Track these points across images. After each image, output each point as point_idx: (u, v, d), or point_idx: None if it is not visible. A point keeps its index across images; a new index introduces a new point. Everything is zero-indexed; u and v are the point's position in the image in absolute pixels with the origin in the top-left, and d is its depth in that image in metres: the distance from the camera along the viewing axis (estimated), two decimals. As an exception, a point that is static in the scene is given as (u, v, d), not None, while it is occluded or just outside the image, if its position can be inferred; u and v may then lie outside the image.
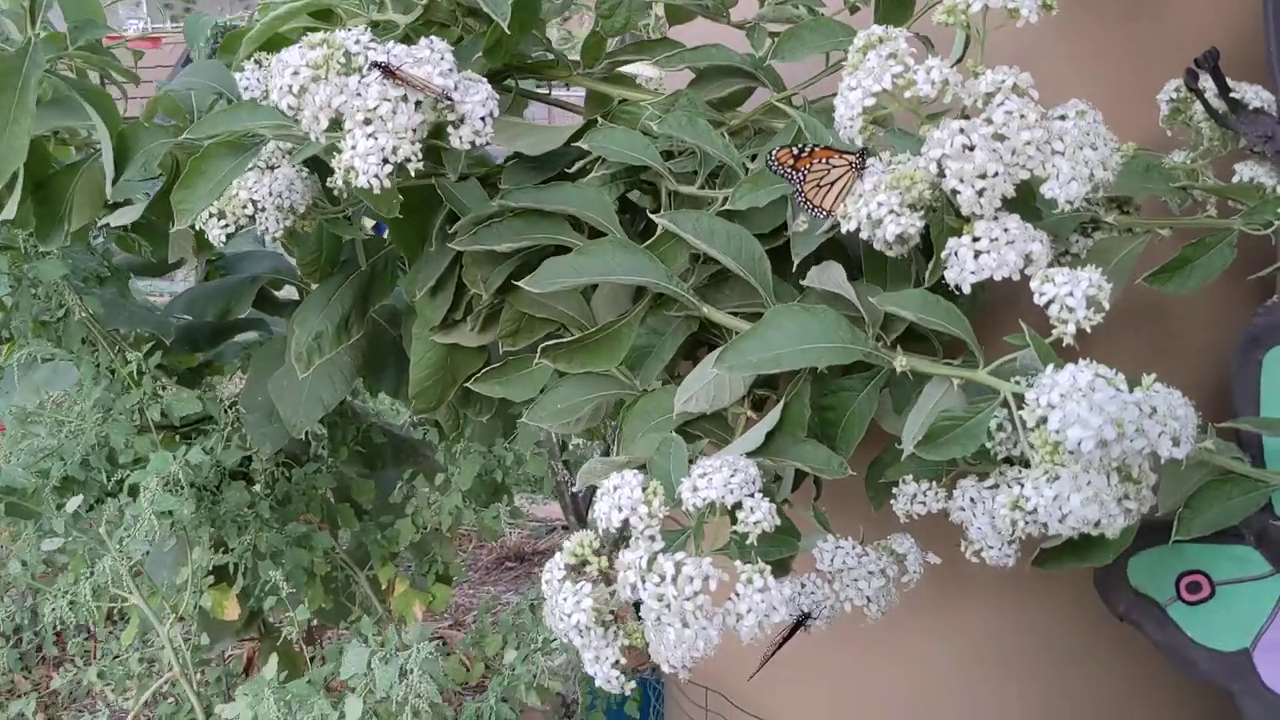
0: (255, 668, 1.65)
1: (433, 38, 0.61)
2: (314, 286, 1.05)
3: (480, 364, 0.97)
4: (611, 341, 0.76)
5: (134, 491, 0.93)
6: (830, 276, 0.66)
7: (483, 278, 0.86)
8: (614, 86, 0.82)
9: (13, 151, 0.64)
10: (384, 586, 1.31)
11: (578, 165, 0.81)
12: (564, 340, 0.77)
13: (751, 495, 0.59)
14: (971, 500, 0.66)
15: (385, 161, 0.57)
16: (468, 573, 2.59)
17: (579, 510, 1.76)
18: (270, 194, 0.75)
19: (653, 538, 0.58)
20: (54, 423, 1.02)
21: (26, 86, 0.64)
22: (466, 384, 0.93)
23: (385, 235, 1.01)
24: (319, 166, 0.78)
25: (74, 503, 0.98)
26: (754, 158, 0.74)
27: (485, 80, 0.63)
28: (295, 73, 0.57)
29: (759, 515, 0.58)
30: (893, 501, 0.70)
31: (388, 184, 0.58)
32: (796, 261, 0.67)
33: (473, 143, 0.61)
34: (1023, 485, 0.53)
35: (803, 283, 0.69)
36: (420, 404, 1.01)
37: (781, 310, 0.62)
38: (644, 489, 0.59)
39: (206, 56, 0.88)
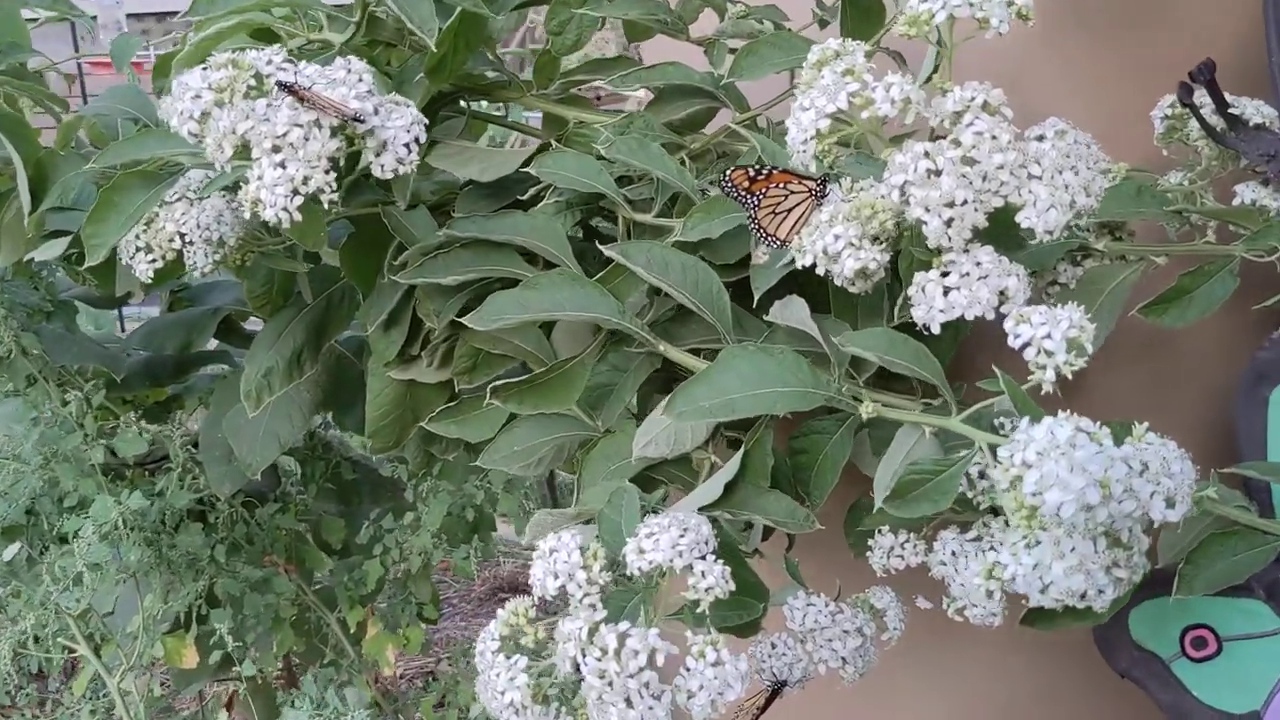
0: (235, 709, 1.60)
1: (350, 58, 0.56)
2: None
3: (442, 400, 0.92)
4: (565, 381, 0.71)
5: (64, 539, 0.88)
6: (792, 312, 0.61)
7: (435, 311, 0.81)
8: (569, 108, 0.77)
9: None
10: (352, 630, 1.25)
11: (532, 192, 0.76)
12: (514, 380, 0.72)
13: (704, 557, 0.53)
14: (953, 554, 0.60)
15: (295, 193, 0.52)
16: (460, 604, 2.53)
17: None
18: (198, 226, 0.70)
19: (594, 606, 0.52)
20: (-1, 465, 0.97)
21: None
22: (421, 423, 0.87)
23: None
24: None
25: (11, 550, 0.93)
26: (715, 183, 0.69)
27: (411, 104, 0.58)
28: (197, 96, 0.52)
29: (711, 580, 0.52)
30: (868, 554, 0.64)
31: (298, 217, 0.52)
32: (757, 296, 0.62)
33: (395, 171, 0.56)
34: (998, 551, 0.47)
35: (765, 318, 0.63)
36: (378, 443, 0.96)
37: (736, 351, 0.57)
38: (583, 551, 0.53)
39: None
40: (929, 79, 0.59)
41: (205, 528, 1.09)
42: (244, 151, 0.53)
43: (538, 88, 0.77)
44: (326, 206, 0.53)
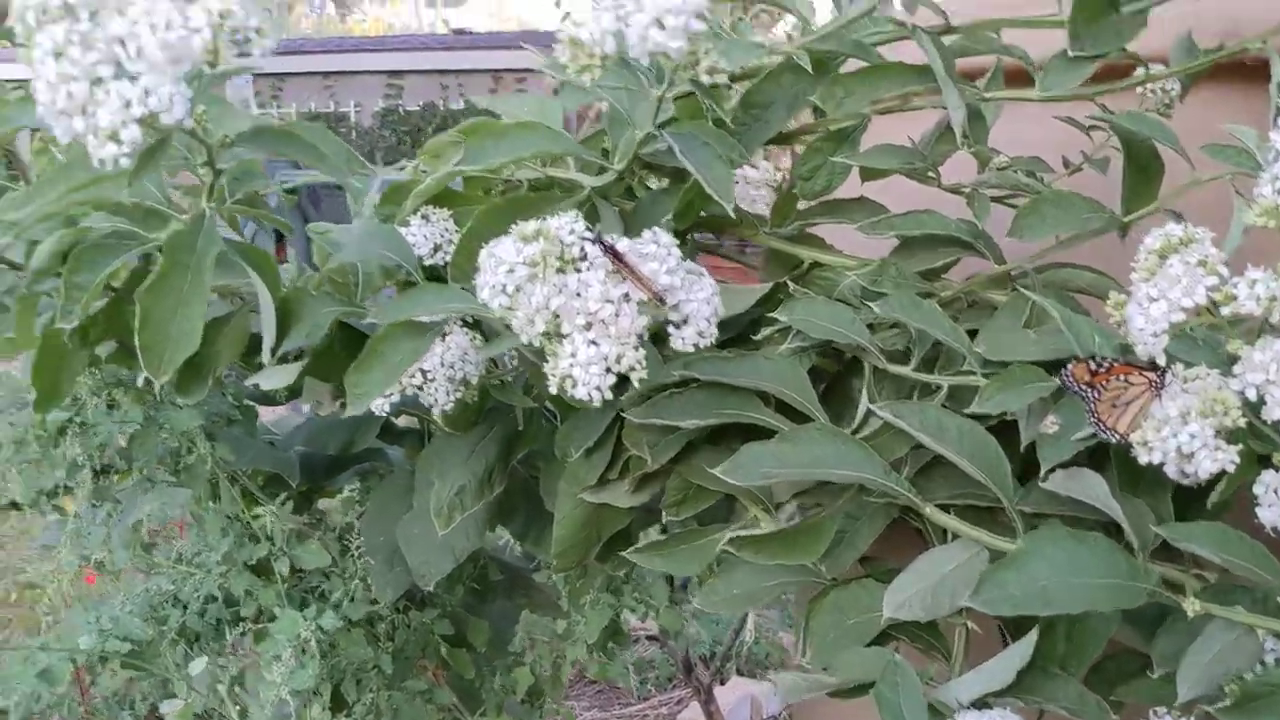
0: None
1: (656, 230, 0.55)
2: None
3: (625, 521, 0.91)
4: (812, 535, 0.69)
5: (259, 638, 0.86)
6: (1085, 487, 0.58)
7: (649, 443, 0.79)
8: (804, 248, 0.75)
9: (185, 337, 0.58)
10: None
11: (766, 333, 0.75)
12: (757, 533, 0.70)
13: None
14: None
15: (608, 371, 0.51)
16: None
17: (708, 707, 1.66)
18: (442, 364, 0.70)
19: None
20: (170, 565, 0.96)
21: (201, 266, 0.59)
22: (622, 552, 0.86)
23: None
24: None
25: (198, 665, 0.92)
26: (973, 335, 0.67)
27: (705, 273, 0.56)
28: (511, 270, 0.51)
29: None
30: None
31: (609, 395, 0.51)
32: (1045, 469, 0.59)
33: (695, 344, 0.55)
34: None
35: (1044, 487, 0.61)
36: (563, 563, 0.94)
37: (1045, 536, 0.54)
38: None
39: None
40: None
41: (368, 637, 1.07)
42: (555, 323, 0.52)
43: (772, 225, 0.76)
44: (636, 384, 0.52)
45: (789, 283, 0.74)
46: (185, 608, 1.00)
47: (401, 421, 1.32)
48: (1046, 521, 0.60)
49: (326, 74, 11.06)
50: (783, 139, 0.73)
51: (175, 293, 0.59)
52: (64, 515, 1.05)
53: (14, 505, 1.08)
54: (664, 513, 0.84)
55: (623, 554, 0.87)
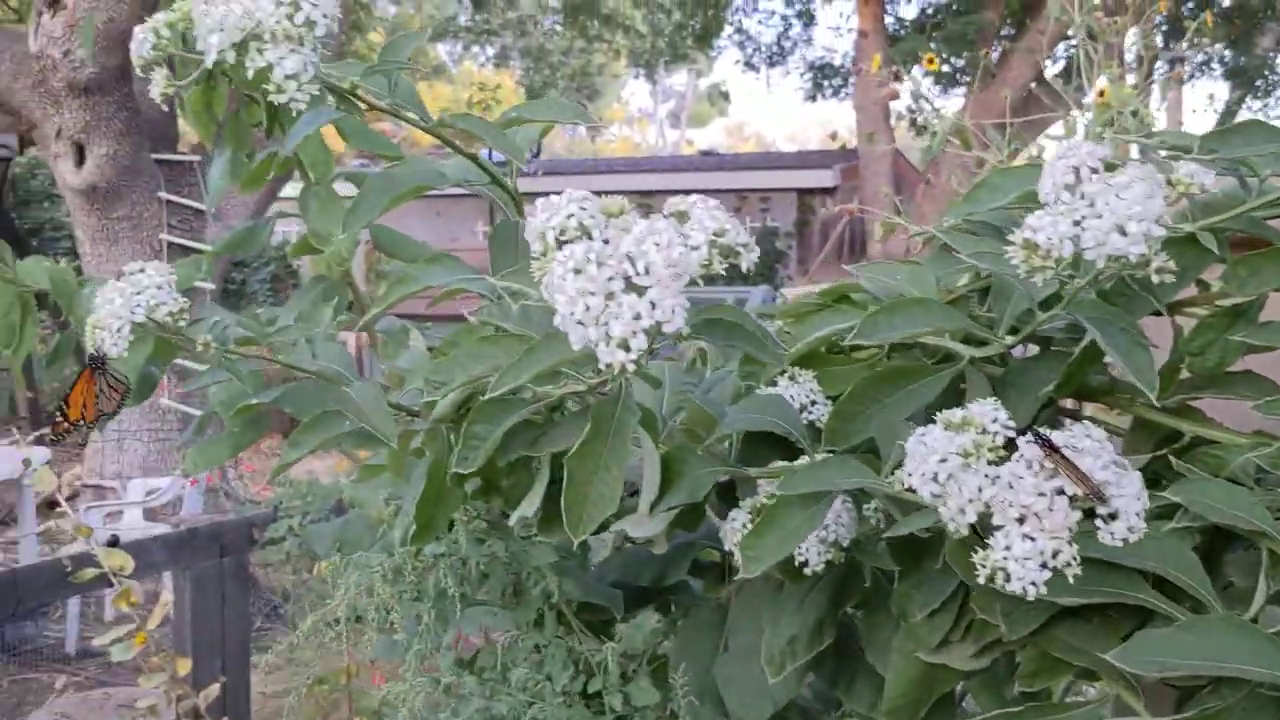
0: None
1: (1087, 424, 0.55)
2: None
3: (959, 681, 0.89)
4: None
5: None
6: None
7: (1003, 611, 0.78)
8: (1184, 421, 0.73)
9: (603, 499, 0.62)
10: None
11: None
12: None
13: None
14: None
15: (1044, 566, 0.51)
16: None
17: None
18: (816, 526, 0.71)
19: None
20: (507, 692, 1.00)
21: (621, 434, 0.63)
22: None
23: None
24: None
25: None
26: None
27: (1134, 471, 0.56)
28: (943, 460, 0.52)
29: None
30: None
31: (1044, 591, 0.51)
32: None
33: (1124, 540, 0.54)
34: None
35: None
36: (893, 720, 0.93)
37: None
38: None
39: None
40: None
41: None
42: (986, 514, 0.52)
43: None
44: (1070, 580, 0.51)
45: (1171, 458, 0.72)
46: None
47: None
48: None
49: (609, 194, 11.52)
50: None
51: (596, 457, 0.63)
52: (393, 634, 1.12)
53: (356, 619, 1.16)
54: (1017, 682, 0.82)
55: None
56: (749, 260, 0.48)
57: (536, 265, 0.47)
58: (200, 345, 0.73)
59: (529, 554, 0.92)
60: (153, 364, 1.16)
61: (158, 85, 0.50)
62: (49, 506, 5.09)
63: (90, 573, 1.94)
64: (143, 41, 0.49)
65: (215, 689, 1.88)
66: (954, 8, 11.60)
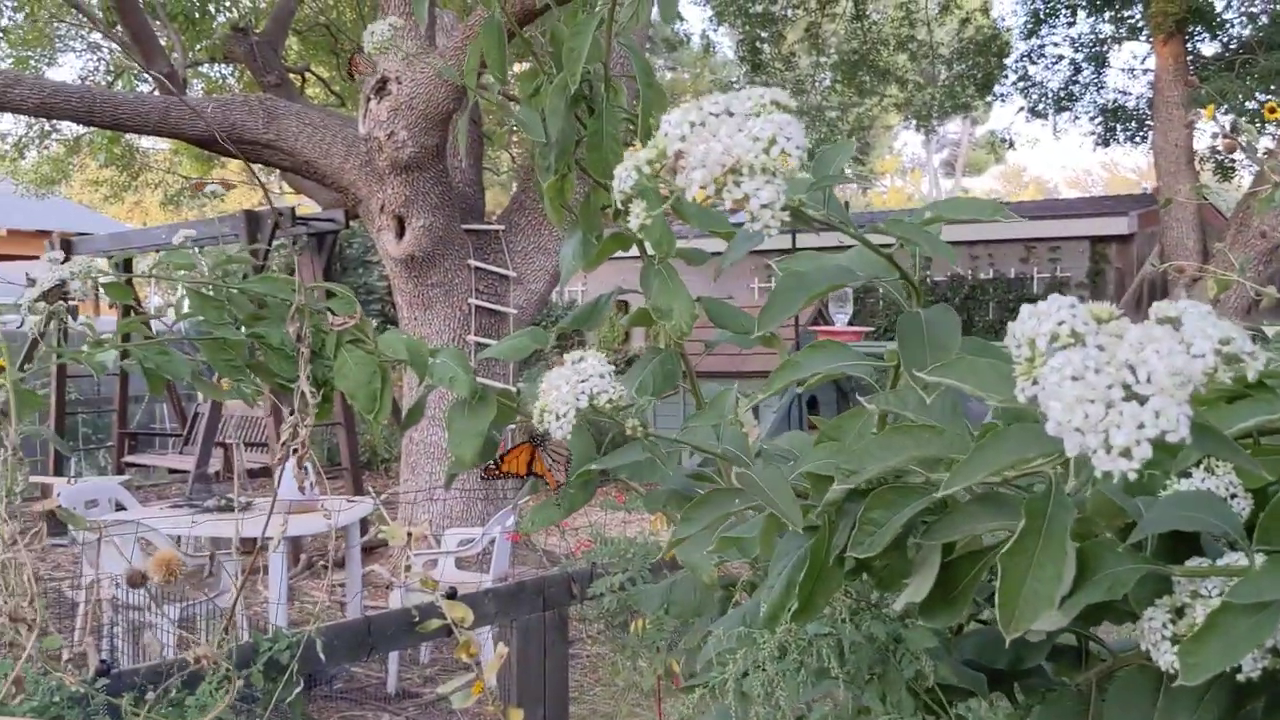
0: None
1: None
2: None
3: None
4: None
5: None
6: None
7: None
8: None
9: (1035, 598, 0.62)
10: None
11: None
12: None
13: None
14: None
15: None
16: None
17: None
18: (1248, 633, 0.68)
19: None
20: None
21: (1053, 531, 0.63)
22: None
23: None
24: None
25: None
26: None
27: None
28: None
29: None
30: None
31: None
32: None
33: None
34: None
35: None
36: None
37: None
38: None
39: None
40: None
41: None
42: None
43: None
44: None
45: None
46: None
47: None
48: None
49: (844, 248, 11.48)
50: None
51: (1027, 554, 0.63)
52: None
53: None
54: None
55: None
56: (1255, 369, 0.47)
57: (1020, 370, 0.49)
58: (630, 429, 0.79)
59: (909, 638, 0.92)
60: (495, 428, 1.26)
61: (637, 216, 0.55)
62: (364, 551, 5.53)
63: (435, 623, 2.09)
64: (625, 177, 0.55)
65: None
66: (1262, 41, 10.74)
